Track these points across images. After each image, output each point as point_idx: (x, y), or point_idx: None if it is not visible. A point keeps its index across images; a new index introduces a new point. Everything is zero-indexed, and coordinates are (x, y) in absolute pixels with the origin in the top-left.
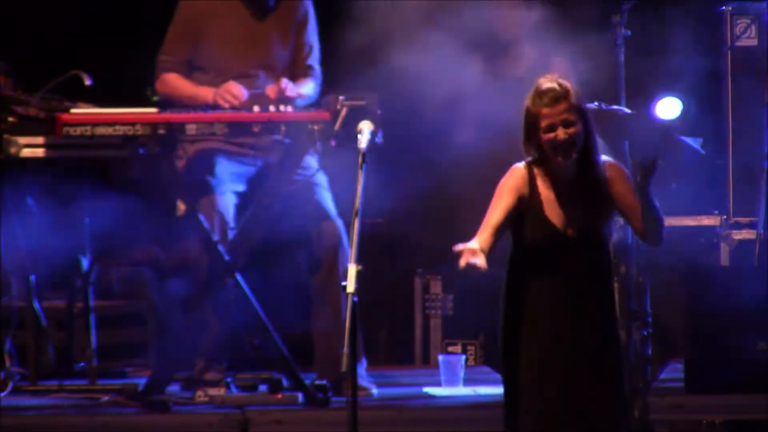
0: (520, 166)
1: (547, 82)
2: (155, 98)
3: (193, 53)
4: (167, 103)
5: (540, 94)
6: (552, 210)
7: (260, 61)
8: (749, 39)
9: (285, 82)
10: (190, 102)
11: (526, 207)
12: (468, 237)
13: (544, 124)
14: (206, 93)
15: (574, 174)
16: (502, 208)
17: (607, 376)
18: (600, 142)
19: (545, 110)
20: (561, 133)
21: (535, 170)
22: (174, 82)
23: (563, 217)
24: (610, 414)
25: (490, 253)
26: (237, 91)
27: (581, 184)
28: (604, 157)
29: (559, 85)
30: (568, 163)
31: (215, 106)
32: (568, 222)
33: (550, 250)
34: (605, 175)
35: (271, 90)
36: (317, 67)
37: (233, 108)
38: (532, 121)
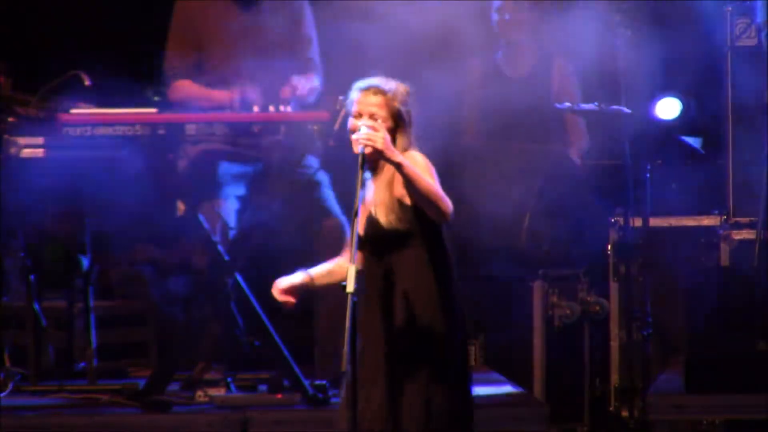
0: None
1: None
2: (156, 98)
3: (197, 55)
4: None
5: (363, 82)
6: (364, 203)
7: (260, 59)
8: (749, 39)
9: (296, 80)
10: (205, 104)
11: None
12: (468, 235)
13: (354, 110)
14: (220, 95)
15: (385, 170)
16: None
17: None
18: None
19: (359, 96)
20: (363, 124)
21: None
22: (186, 88)
23: (363, 210)
24: (414, 414)
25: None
26: (252, 93)
27: (387, 182)
28: (411, 153)
29: (386, 84)
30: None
31: (221, 108)
32: (363, 216)
33: (360, 242)
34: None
35: (284, 92)
36: (317, 59)
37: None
38: (347, 106)
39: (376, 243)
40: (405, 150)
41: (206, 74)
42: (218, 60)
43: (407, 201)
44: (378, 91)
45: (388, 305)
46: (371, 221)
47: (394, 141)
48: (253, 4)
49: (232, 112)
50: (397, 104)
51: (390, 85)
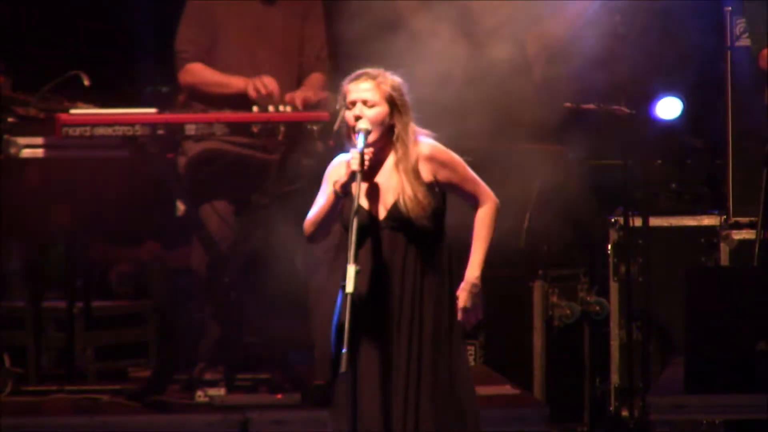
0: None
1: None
2: (150, 89)
3: (210, 42)
4: (192, 94)
5: (351, 75)
6: (364, 194)
7: (270, 52)
8: (749, 39)
9: (306, 94)
10: (219, 90)
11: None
12: (468, 235)
13: (347, 101)
14: (237, 81)
15: (388, 158)
16: (325, 195)
17: (422, 374)
18: (415, 129)
19: (348, 87)
20: (358, 110)
21: None
22: (200, 71)
23: (375, 200)
24: (423, 413)
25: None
26: (270, 83)
27: (396, 169)
28: (427, 141)
29: (373, 71)
30: (381, 147)
31: (219, 105)
32: (379, 205)
33: (362, 234)
34: (419, 161)
35: (297, 98)
36: (326, 59)
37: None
38: (342, 102)
39: (398, 228)
40: (408, 137)
41: (217, 65)
42: (231, 53)
43: (433, 192)
44: (366, 77)
45: (400, 302)
46: (394, 207)
47: (392, 126)
48: (271, 0)
49: (251, 99)
50: (387, 88)
51: (377, 71)
